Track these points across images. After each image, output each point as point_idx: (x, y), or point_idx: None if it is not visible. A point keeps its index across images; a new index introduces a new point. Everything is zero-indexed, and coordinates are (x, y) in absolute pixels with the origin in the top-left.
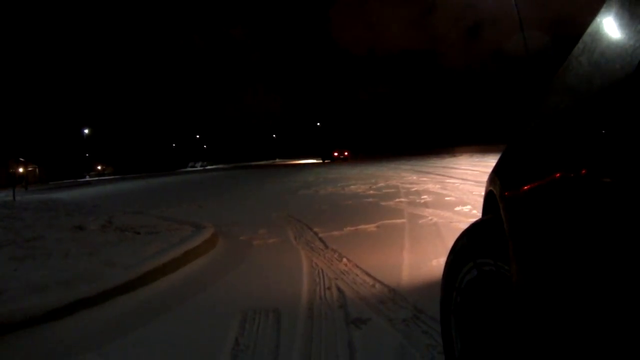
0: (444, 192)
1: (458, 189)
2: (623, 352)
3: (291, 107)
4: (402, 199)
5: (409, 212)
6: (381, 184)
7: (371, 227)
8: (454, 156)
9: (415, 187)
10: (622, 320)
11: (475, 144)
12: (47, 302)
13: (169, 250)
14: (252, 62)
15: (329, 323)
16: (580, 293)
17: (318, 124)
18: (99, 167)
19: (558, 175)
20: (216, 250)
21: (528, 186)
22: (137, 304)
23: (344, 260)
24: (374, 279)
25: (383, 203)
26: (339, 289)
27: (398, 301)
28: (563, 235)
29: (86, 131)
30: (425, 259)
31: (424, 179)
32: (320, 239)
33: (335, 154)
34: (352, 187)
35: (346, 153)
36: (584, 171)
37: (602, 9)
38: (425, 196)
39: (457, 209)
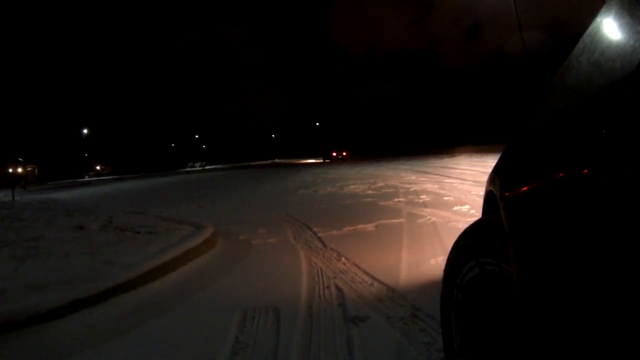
0: (443, 192)
1: (457, 189)
2: (622, 352)
3: (290, 107)
4: (401, 199)
5: (407, 211)
6: (380, 184)
7: (370, 226)
8: (453, 156)
9: (413, 187)
10: (622, 321)
11: (474, 144)
12: (48, 301)
13: (169, 249)
14: (251, 62)
15: (328, 321)
16: (581, 294)
17: (317, 123)
18: (98, 167)
19: (558, 175)
20: (216, 249)
21: (528, 186)
22: (138, 302)
23: (343, 259)
24: (373, 277)
25: (382, 203)
26: (337, 288)
27: (396, 300)
28: (563, 235)
29: (85, 131)
30: (423, 258)
31: (423, 178)
32: (319, 239)
33: (334, 154)
34: (351, 186)
35: (344, 153)
36: (584, 171)
37: (602, 9)
38: (423, 196)
39: (455, 208)
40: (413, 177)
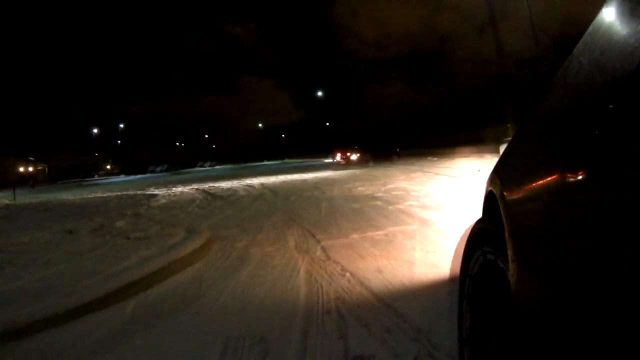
0: (456, 194)
1: (471, 191)
2: (621, 353)
3: (300, 107)
4: (412, 202)
5: (420, 217)
6: (390, 186)
7: (379, 234)
8: (465, 156)
9: (425, 189)
10: (621, 323)
11: (485, 143)
12: (8, 320)
13: (156, 258)
14: (260, 63)
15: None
16: (580, 294)
17: (327, 123)
18: (108, 167)
19: (557, 175)
20: (208, 258)
21: (527, 187)
22: (109, 323)
23: (348, 275)
24: (381, 300)
25: (392, 207)
26: (339, 313)
27: (408, 331)
28: (563, 236)
29: (95, 130)
30: (441, 276)
31: (435, 180)
32: (323, 248)
33: (338, 154)
34: (359, 188)
35: (348, 154)
36: (583, 172)
37: (602, 9)
38: (437, 199)
39: (471, 212)
40: (425, 179)
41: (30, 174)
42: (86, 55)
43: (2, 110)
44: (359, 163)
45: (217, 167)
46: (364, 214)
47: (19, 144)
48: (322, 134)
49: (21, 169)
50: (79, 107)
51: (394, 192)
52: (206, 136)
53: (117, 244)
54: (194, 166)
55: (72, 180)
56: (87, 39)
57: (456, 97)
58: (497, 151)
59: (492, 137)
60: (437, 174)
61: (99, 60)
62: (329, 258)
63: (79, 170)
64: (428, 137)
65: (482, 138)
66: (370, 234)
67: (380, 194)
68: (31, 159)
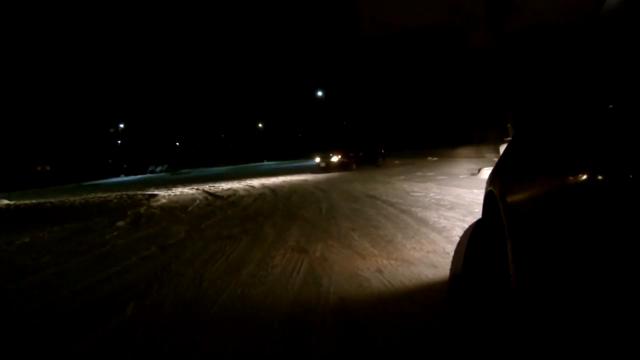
0: (467, 197)
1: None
2: (620, 352)
3: (317, 105)
4: (432, 212)
5: (444, 235)
6: (403, 190)
7: (391, 260)
8: (465, 157)
9: (447, 196)
10: (620, 319)
11: (485, 143)
12: None
13: (101, 286)
14: (277, 59)
15: None
16: (580, 293)
17: (344, 122)
18: (125, 166)
19: (557, 176)
20: (158, 296)
21: (527, 187)
22: None
23: (342, 327)
24: None
25: (406, 216)
26: None
27: None
28: (562, 235)
29: (111, 131)
30: None
31: (455, 182)
32: (316, 279)
33: (335, 157)
34: (371, 192)
35: (330, 155)
36: (583, 172)
37: (602, 9)
38: (460, 207)
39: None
40: (444, 180)
41: (47, 174)
42: (103, 60)
43: (18, 111)
44: (341, 166)
45: (230, 167)
46: (373, 222)
47: (37, 145)
48: (340, 132)
49: (38, 169)
50: (96, 109)
51: (409, 198)
52: (223, 135)
53: (71, 263)
54: (213, 166)
55: (87, 180)
56: (97, 45)
57: (456, 96)
58: (497, 151)
59: (492, 137)
60: (459, 175)
61: (115, 65)
62: (318, 295)
63: (94, 169)
64: (427, 137)
65: (482, 138)
66: (383, 262)
67: (395, 200)
68: (49, 158)
